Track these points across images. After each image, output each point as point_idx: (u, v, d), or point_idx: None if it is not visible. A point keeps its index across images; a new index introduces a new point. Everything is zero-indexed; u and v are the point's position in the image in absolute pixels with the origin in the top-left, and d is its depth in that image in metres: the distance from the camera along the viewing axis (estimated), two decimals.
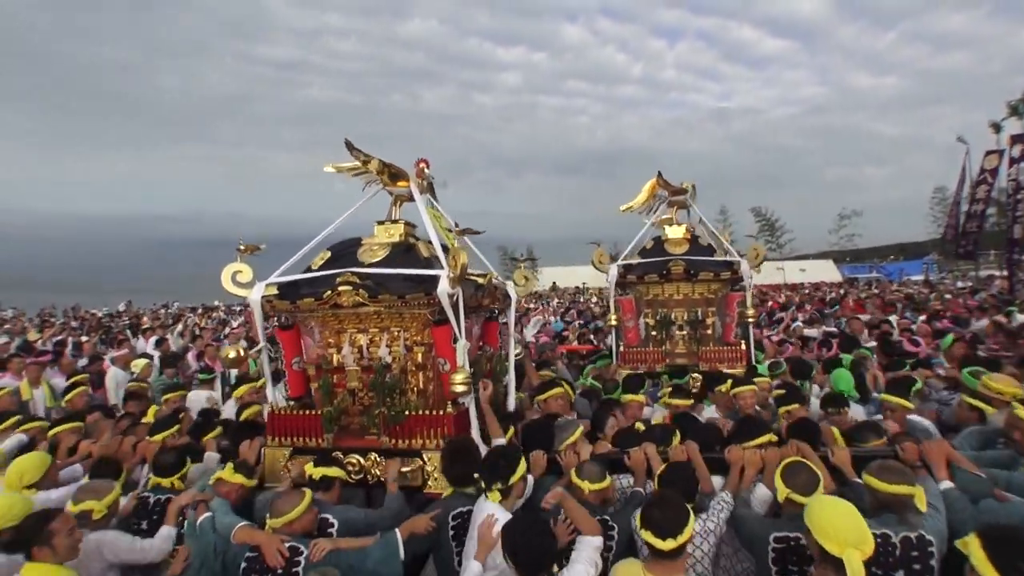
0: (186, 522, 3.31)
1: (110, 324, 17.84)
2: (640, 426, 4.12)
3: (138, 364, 7.96)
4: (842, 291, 23.08)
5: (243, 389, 5.27)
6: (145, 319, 20.25)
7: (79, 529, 3.04)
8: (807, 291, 24.60)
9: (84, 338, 12.39)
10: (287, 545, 2.92)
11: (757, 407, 4.81)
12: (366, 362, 3.84)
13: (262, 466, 3.87)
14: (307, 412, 3.80)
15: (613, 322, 6.33)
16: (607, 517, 3.09)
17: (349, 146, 3.88)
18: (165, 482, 3.67)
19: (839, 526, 2.39)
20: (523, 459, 3.13)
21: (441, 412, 3.62)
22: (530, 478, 3.42)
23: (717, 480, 3.38)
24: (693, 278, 6.01)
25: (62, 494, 3.77)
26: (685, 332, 6.18)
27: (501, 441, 3.64)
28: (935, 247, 46.78)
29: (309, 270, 3.94)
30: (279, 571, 2.88)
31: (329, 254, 4.02)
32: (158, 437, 4.45)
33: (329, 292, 3.64)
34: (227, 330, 14.97)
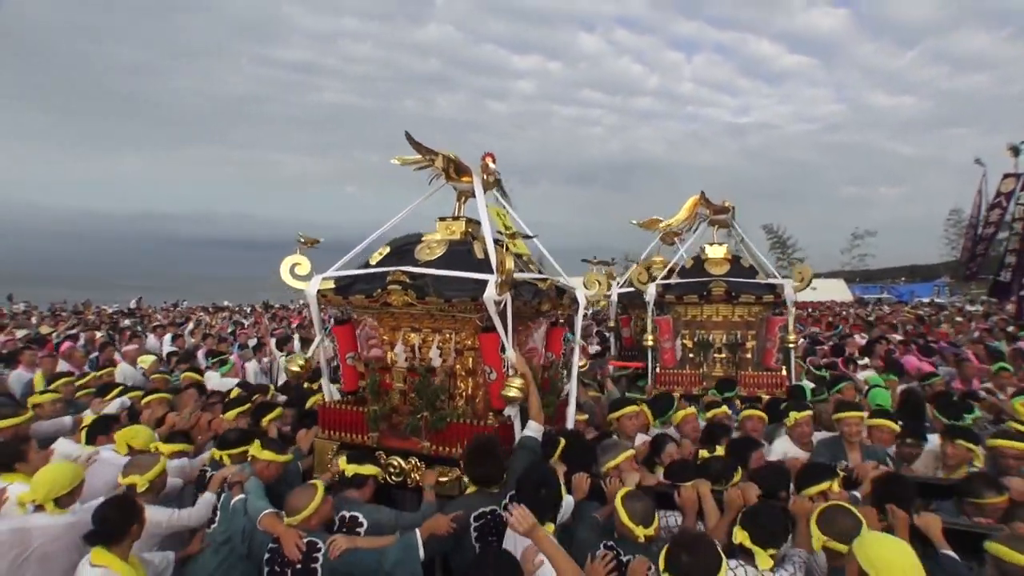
0: (222, 498, 3.43)
1: (119, 320, 18.19)
2: (704, 454, 3.70)
3: (145, 360, 8.05)
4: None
5: (232, 414, 4.81)
6: (157, 316, 21.05)
7: None
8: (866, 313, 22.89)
9: (99, 334, 12.55)
10: (305, 540, 2.92)
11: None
12: (416, 363, 3.74)
13: (312, 456, 3.92)
14: (355, 408, 3.77)
15: (650, 342, 6.12)
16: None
17: (410, 139, 3.76)
18: (216, 454, 3.81)
19: (897, 564, 2.16)
20: (561, 486, 2.89)
21: (483, 423, 3.45)
22: (569, 499, 3.19)
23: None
24: (734, 300, 5.86)
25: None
26: (724, 355, 6.00)
27: (537, 427, 3.42)
28: (948, 270, 44.73)
29: (367, 265, 3.90)
30: (297, 566, 2.88)
31: (388, 249, 3.95)
32: (230, 415, 4.68)
33: (379, 291, 3.57)
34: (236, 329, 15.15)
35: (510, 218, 4.10)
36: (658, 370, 6.13)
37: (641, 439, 4.20)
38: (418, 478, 3.51)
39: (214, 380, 7.21)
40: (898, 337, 11.47)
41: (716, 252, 6.32)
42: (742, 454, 3.63)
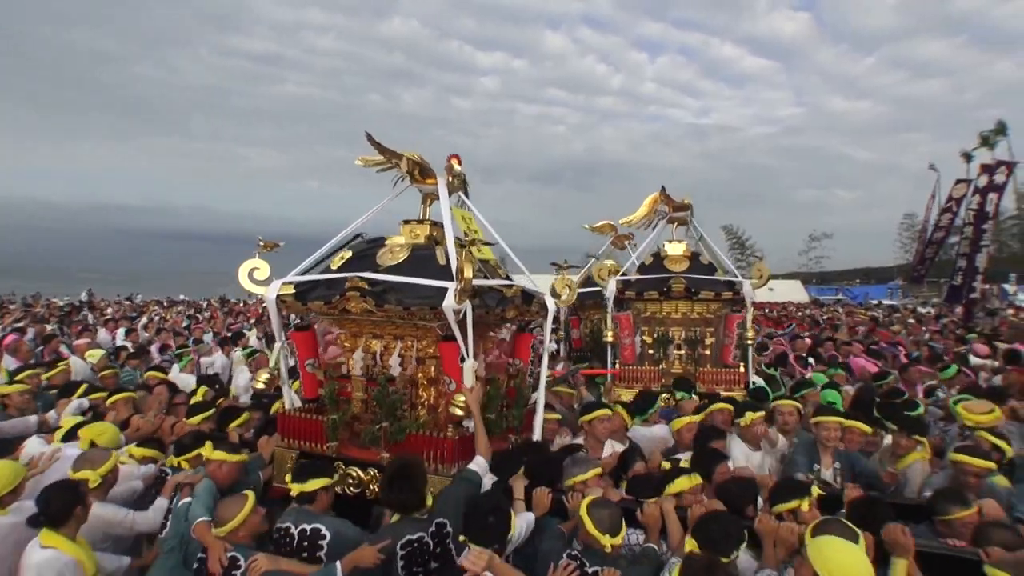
0: (174, 502, 3.38)
1: (70, 313, 17.72)
2: (666, 465, 3.62)
3: (94, 355, 7.90)
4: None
5: (197, 419, 4.70)
6: (108, 310, 20.50)
7: None
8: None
9: (49, 327, 12.31)
10: (228, 555, 2.85)
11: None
12: (377, 371, 3.65)
13: (272, 465, 3.83)
14: (314, 416, 3.68)
15: (610, 338, 6.07)
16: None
17: (371, 141, 3.65)
18: (172, 461, 3.72)
19: (851, 567, 2.20)
20: (511, 512, 2.79)
21: (442, 435, 3.37)
22: (529, 516, 3.11)
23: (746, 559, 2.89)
24: (694, 297, 5.87)
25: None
26: (683, 351, 6.04)
27: (482, 464, 3.27)
28: (901, 272, 45.83)
29: (327, 270, 3.79)
30: None
31: (350, 254, 3.84)
32: (195, 420, 4.58)
33: (338, 297, 3.47)
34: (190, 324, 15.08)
35: (476, 222, 3.99)
36: (618, 366, 6.11)
37: (611, 448, 4.12)
38: (376, 490, 3.43)
39: (173, 374, 7.20)
40: (843, 338, 11.64)
41: (675, 249, 6.34)
42: (706, 467, 3.55)
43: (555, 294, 4.26)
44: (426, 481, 2.97)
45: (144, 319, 16.03)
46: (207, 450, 3.49)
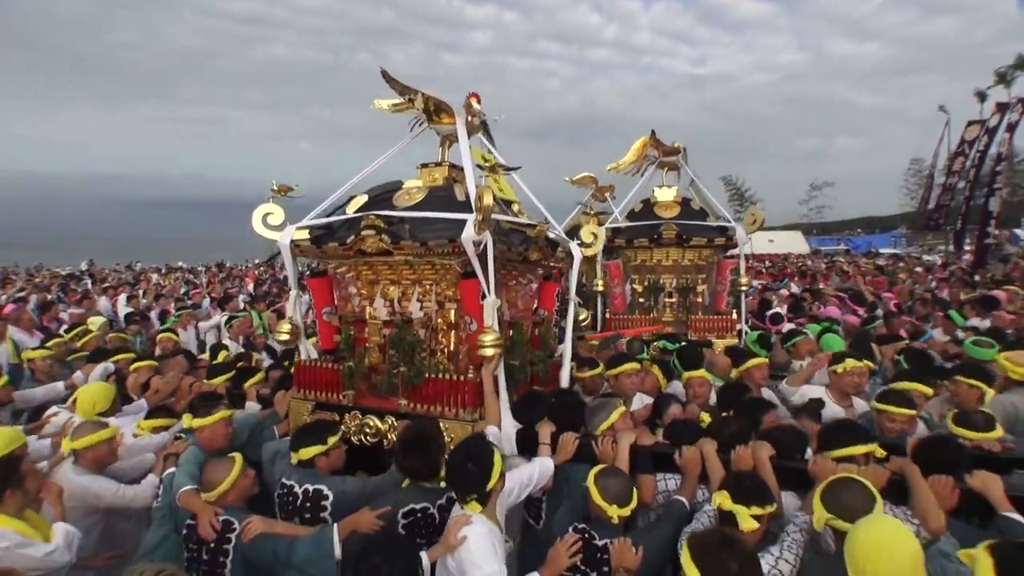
0: (164, 473, 3.26)
1: (69, 282, 18.03)
2: (706, 418, 3.35)
3: (95, 322, 7.91)
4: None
5: (218, 380, 4.55)
6: (109, 278, 20.71)
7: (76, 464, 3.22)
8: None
9: (50, 296, 12.59)
10: (221, 519, 2.73)
11: None
12: (396, 317, 3.48)
13: (287, 419, 3.69)
14: (331, 365, 3.52)
15: (600, 287, 5.87)
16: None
17: (386, 76, 3.47)
18: (188, 421, 3.61)
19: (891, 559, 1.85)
20: (496, 457, 2.53)
21: (462, 378, 3.17)
22: (547, 464, 2.90)
23: (790, 500, 2.63)
24: (685, 243, 5.72)
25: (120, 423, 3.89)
26: (674, 299, 5.94)
27: (493, 432, 3.05)
28: (905, 220, 44.06)
29: (343, 214, 3.63)
30: (211, 545, 2.73)
31: (366, 198, 3.68)
32: (216, 381, 4.47)
33: (353, 237, 3.30)
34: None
35: (492, 156, 3.79)
36: (608, 316, 5.94)
37: (640, 402, 3.87)
38: (395, 439, 3.25)
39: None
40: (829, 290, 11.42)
41: (666, 195, 6.13)
42: (753, 415, 3.28)
43: (582, 242, 4.07)
44: (443, 450, 2.77)
45: (143, 287, 16.13)
46: (188, 420, 3.38)
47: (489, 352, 3.05)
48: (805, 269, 18.20)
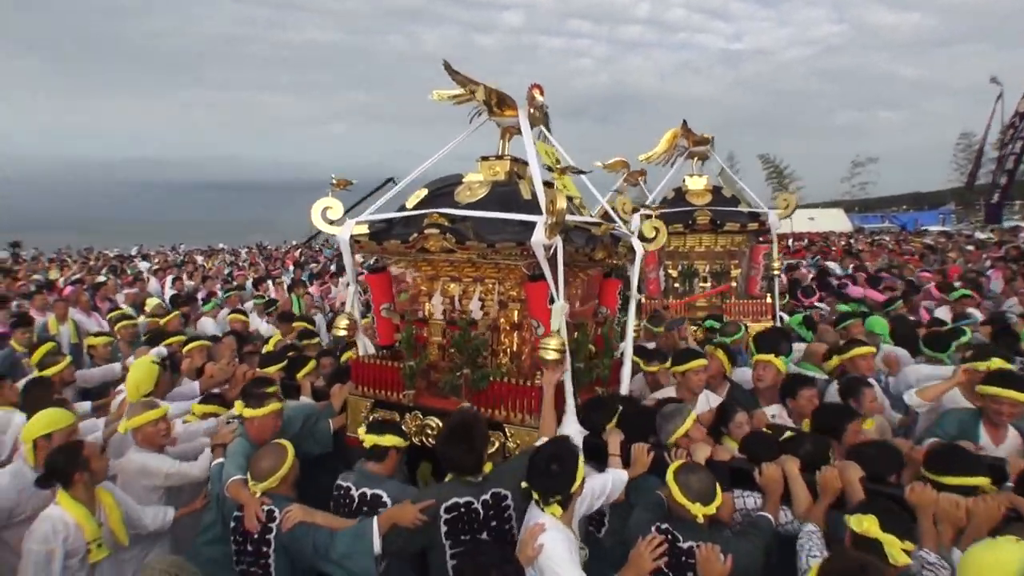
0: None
1: (121, 264, 18.68)
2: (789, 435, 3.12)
3: (151, 303, 8.28)
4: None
5: (272, 370, 4.50)
6: (156, 259, 21.34)
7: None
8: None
9: (101, 278, 13.18)
10: (265, 509, 2.74)
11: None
12: (456, 315, 3.41)
13: (345, 414, 3.67)
14: (390, 363, 3.48)
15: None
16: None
17: (449, 70, 3.34)
18: (239, 409, 3.62)
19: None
20: (581, 460, 2.47)
21: (529, 383, 3.09)
22: (620, 476, 2.82)
23: None
24: (719, 229, 5.81)
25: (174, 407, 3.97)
26: (709, 284, 6.04)
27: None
28: (955, 196, 42.09)
29: (403, 209, 3.55)
30: (254, 535, 2.76)
31: (425, 192, 3.59)
32: (270, 369, 4.47)
33: (415, 235, 3.22)
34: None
35: (558, 155, 3.66)
36: (643, 300, 5.85)
37: (706, 402, 3.75)
38: None
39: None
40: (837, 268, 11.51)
41: (696, 184, 6.22)
42: (834, 425, 3.13)
43: (643, 237, 3.93)
44: (486, 443, 2.76)
45: (188, 269, 16.44)
46: (239, 407, 3.36)
47: (551, 357, 2.94)
48: (850, 248, 17.60)
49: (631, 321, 3.85)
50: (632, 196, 6.26)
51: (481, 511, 2.68)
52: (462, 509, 2.66)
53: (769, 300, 5.88)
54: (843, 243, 20.97)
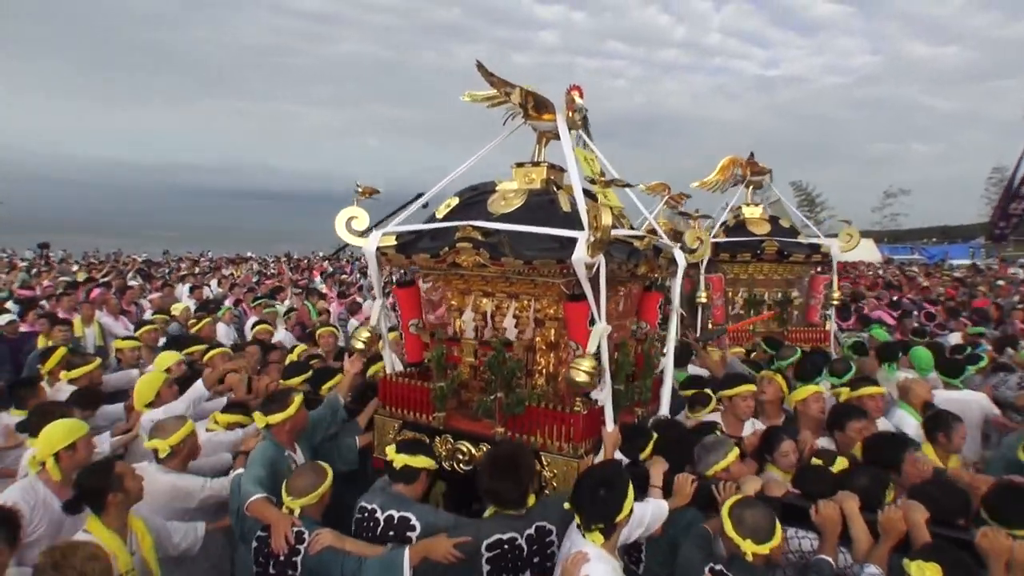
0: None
1: (148, 268, 18.47)
2: (842, 463, 2.94)
3: (177, 308, 8.21)
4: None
5: (296, 381, 4.38)
6: (183, 266, 21.15)
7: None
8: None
9: (133, 282, 13.06)
10: (295, 531, 2.59)
11: None
12: (488, 334, 3.23)
13: (373, 433, 3.51)
14: (419, 383, 3.30)
15: (703, 299, 6.03)
16: None
17: (482, 70, 3.14)
18: (261, 421, 3.50)
19: None
20: (631, 487, 2.32)
21: (568, 409, 2.90)
22: (661, 505, 2.63)
23: None
24: (785, 259, 5.99)
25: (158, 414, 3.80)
26: (773, 311, 6.18)
27: None
28: (984, 231, 40.70)
29: (433, 219, 3.36)
30: (280, 557, 2.60)
31: (457, 201, 3.40)
32: (294, 381, 4.34)
33: (446, 249, 3.03)
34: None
35: (599, 163, 3.44)
36: (710, 326, 6.02)
37: (752, 429, 3.54)
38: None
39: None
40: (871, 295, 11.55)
41: (753, 212, 6.41)
42: (890, 456, 2.91)
43: (686, 248, 3.71)
44: (532, 477, 2.59)
45: (215, 280, 16.12)
46: (259, 419, 3.24)
47: (581, 379, 2.73)
48: (891, 280, 17.22)
49: (671, 337, 3.65)
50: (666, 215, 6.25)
51: (525, 547, 2.53)
52: (505, 546, 2.51)
53: (828, 327, 6.06)
54: (870, 272, 20.50)
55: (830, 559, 2.39)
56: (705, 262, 5.82)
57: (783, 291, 6.22)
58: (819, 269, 6.31)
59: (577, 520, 2.30)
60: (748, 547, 2.21)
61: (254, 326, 7.14)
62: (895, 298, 11.42)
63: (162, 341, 6.22)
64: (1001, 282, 15.51)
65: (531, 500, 2.62)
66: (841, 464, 2.87)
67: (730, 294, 6.25)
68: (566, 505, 2.36)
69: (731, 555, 2.32)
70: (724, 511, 2.36)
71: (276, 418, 3.18)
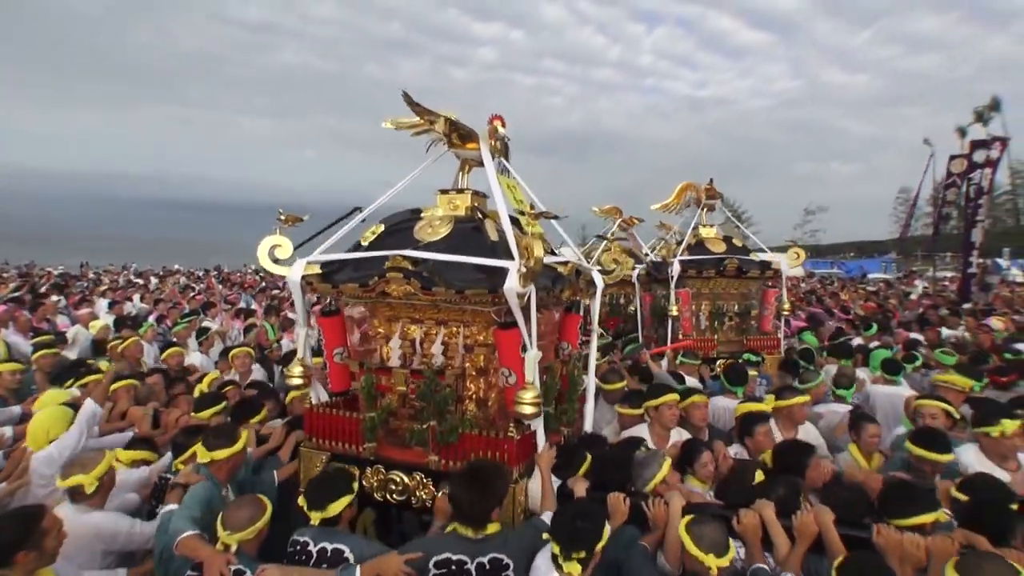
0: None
1: (67, 282, 17.17)
2: (758, 474, 3.15)
3: (95, 325, 7.82)
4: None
5: (207, 414, 4.13)
6: (105, 279, 20.02)
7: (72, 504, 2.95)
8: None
9: (55, 298, 11.78)
10: (232, 569, 2.46)
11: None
12: (417, 362, 3.23)
13: (298, 466, 3.41)
14: (348, 414, 3.25)
15: (675, 312, 6.62)
16: None
17: (408, 100, 3.16)
18: (178, 465, 3.31)
19: None
20: (605, 519, 2.42)
21: (502, 435, 2.96)
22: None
23: None
24: (744, 275, 6.68)
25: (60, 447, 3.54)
26: (734, 322, 6.86)
27: (534, 485, 2.91)
28: (895, 246, 47.26)
29: (358, 247, 3.33)
30: None
31: (382, 228, 3.39)
32: (205, 414, 4.10)
33: (376, 279, 3.02)
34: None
35: (521, 191, 3.54)
36: (681, 337, 6.56)
37: (677, 437, 3.74)
38: (424, 497, 3.04)
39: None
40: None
41: (709, 233, 7.11)
42: (795, 463, 3.18)
43: (604, 270, 3.88)
44: (499, 501, 2.58)
45: (137, 295, 14.90)
46: (202, 454, 3.08)
47: (528, 410, 2.84)
48: (818, 294, 18.46)
49: (592, 356, 3.81)
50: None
51: (474, 573, 2.51)
52: (452, 567, 2.49)
53: (780, 336, 6.83)
54: (804, 286, 22.00)
55: (766, 567, 2.58)
56: (675, 278, 6.50)
57: (740, 304, 6.84)
58: (769, 284, 6.97)
59: (556, 549, 2.29)
60: (712, 561, 2.35)
61: (163, 349, 6.66)
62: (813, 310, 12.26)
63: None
64: (912, 296, 17.12)
65: (494, 528, 2.58)
66: (760, 477, 3.09)
67: (693, 307, 6.82)
68: (544, 536, 2.40)
69: (691, 571, 2.45)
70: (682, 530, 2.47)
71: (221, 454, 3.04)
